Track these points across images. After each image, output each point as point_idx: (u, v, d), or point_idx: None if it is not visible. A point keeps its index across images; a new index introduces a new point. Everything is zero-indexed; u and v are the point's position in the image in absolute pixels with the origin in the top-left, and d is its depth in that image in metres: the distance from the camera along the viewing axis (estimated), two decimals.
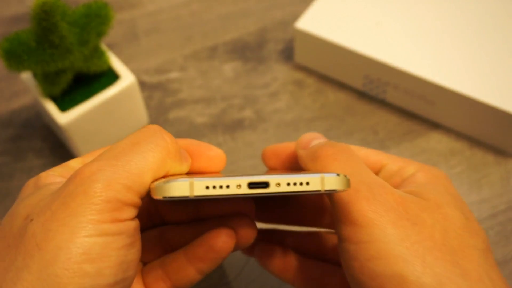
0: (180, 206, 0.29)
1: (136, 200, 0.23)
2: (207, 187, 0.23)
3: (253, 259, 0.40)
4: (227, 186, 0.23)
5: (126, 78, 0.43)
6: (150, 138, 0.24)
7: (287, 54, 0.53)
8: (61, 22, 0.37)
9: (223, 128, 0.48)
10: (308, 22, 0.48)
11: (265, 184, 0.23)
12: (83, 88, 0.42)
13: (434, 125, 0.48)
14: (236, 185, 0.23)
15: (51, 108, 0.41)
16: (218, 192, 0.23)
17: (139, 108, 0.46)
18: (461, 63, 0.45)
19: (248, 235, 0.27)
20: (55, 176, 0.26)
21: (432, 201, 0.26)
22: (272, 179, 0.23)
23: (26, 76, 0.43)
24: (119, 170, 0.22)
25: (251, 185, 0.23)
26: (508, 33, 0.47)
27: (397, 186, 0.28)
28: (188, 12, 0.57)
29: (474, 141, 0.46)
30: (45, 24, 0.36)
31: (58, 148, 0.47)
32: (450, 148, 0.46)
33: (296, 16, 0.54)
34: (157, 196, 0.23)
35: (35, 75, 0.42)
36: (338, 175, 0.24)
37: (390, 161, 0.30)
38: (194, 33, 0.56)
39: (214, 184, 0.23)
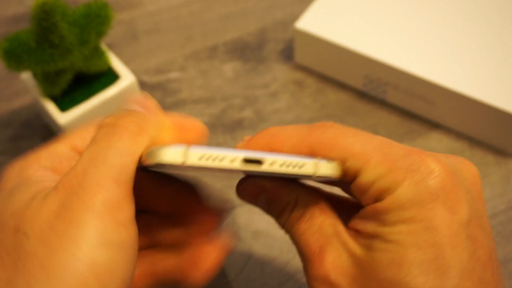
0: (161, 191, 0.28)
1: (129, 191, 0.23)
2: (201, 158, 0.22)
3: (253, 259, 0.40)
4: (222, 159, 0.22)
5: (126, 78, 0.43)
6: (113, 137, 0.23)
7: (287, 54, 0.53)
8: (61, 22, 0.37)
9: (223, 128, 0.48)
10: (308, 22, 0.48)
11: (259, 162, 0.23)
12: (83, 88, 0.42)
13: (434, 125, 0.48)
14: (231, 159, 0.22)
15: (51, 108, 0.41)
16: (211, 164, 0.22)
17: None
18: (461, 63, 0.45)
19: (229, 248, 0.28)
20: (43, 169, 0.25)
21: (373, 262, 0.22)
22: (267, 157, 0.23)
23: (26, 76, 0.43)
24: (103, 167, 0.22)
25: (246, 161, 0.23)
26: (508, 33, 0.47)
27: (368, 213, 0.24)
28: (188, 12, 0.57)
29: (474, 141, 0.46)
30: (45, 24, 0.36)
31: None
32: (450, 148, 0.46)
33: (296, 16, 0.54)
34: (150, 160, 0.22)
35: (35, 75, 0.42)
36: (332, 161, 0.24)
37: (369, 163, 0.23)
38: (194, 33, 0.56)
39: (209, 155, 0.22)
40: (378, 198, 0.23)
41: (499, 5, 0.49)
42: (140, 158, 0.23)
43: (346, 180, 0.25)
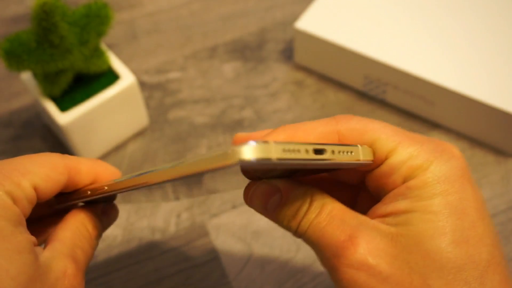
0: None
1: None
2: (284, 150, 0.21)
3: (253, 259, 0.40)
4: (298, 151, 0.21)
5: (126, 78, 0.43)
6: None
7: (287, 54, 0.53)
8: (61, 22, 0.37)
9: (223, 128, 0.48)
10: (308, 22, 0.48)
11: (322, 151, 0.22)
12: (83, 88, 0.42)
13: (434, 125, 0.48)
14: (305, 150, 0.22)
15: (51, 108, 0.41)
16: (292, 155, 0.21)
17: (139, 108, 0.46)
18: (461, 63, 0.45)
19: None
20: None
21: (414, 236, 0.23)
22: (328, 146, 0.23)
23: (26, 76, 0.43)
24: None
25: (316, 151, 0.22)
26: (508, 33, 0.47)
27: (398, 195, 0.25)
28: (188, 12, 0.57)
29: (474, 141, 0.46)
30: (45, 24, 0.36)
31: (58, 148, 0.47)
32: None
33: (296, 16, 0.54)
34: (229, 161, 0.20)
35: (35, 75, 0.42)
36: (366, 147, 0.25)
37: (401, 145, 0.25)
38: (194, 33, 0.56)
39: (288, 147, 0.21)
40: (409, 176, 0.24)
41: (499, 5, 0.49)
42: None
43: (373, 164, 0.25)
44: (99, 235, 0.30)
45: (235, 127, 0.48)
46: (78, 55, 0.40)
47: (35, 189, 0.25)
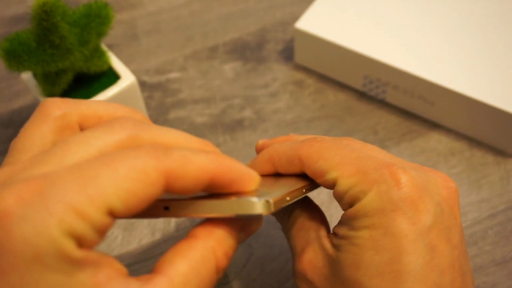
0: None
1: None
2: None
3: (253, 259, 0.40)
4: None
5: (127, 78, 0.43)
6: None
7: (287, 54, 0.53)
8: (61, 22, 0.37)
9: (223, 128, 0.48)
10: (308, 22, 0.48)
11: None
12: (83, 88, 0.43)
13: (434, 125, 0.48)
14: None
15: None
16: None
17: (139, 108, 0.46)
18: (461, 63, 0.45)
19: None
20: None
21: (340, 262, 0.25)
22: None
23: (26, 76, 0.43)
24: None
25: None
26: (508, 33, 0.47)
27: (343, 218, 0.26)
28: (188, 12, 0.58)
29: (474, 141, 0.46)
30: (45, 24, 0.36)
31: None
32: (449, 148, 0.46)
33: (296, 16, 0.54)
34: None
35: (35, 75, 0.42)
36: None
37: (345, 174, 0.26)
38: (194, 33, 0.56)
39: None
40: (351, 205, 0.26)
41: (499, 5, 0.49)
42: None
43: (328, 188, 0.27)
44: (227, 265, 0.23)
45: (235, 127, 0.48)
46: (79, 55, 0.40)
47: (110, 212, 0.19)
